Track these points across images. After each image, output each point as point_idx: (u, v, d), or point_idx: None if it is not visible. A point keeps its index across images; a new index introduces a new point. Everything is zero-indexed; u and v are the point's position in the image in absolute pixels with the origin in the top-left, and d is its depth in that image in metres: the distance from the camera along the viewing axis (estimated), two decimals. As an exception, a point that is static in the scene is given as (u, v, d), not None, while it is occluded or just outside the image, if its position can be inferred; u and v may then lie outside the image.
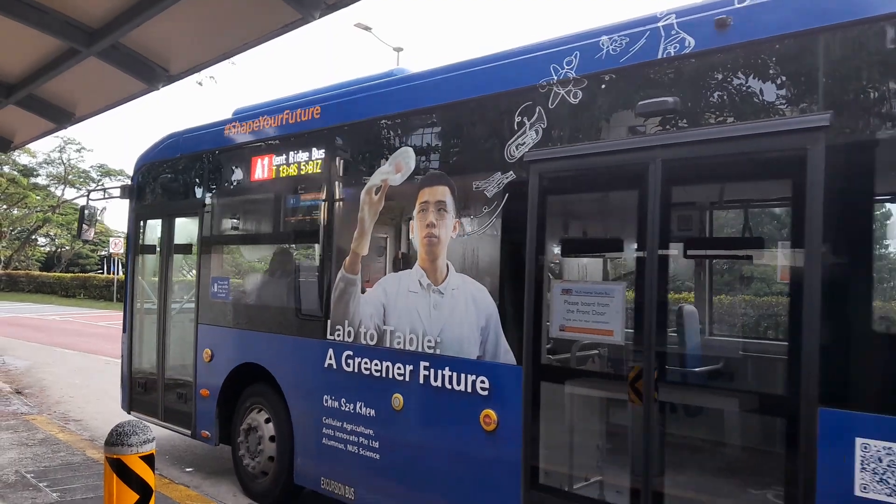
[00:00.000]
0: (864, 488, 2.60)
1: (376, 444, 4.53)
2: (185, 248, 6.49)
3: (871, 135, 2.73)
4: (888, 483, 2.54)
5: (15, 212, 49.89)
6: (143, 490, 3.22)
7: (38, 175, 52.15)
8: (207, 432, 5.94)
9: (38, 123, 6.35)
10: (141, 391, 6.97)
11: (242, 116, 5.86)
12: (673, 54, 3.24)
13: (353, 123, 4.86)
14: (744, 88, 3.08)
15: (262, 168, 5.54)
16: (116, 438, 3.24)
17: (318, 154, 5.07)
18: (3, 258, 47.90)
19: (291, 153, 5.27)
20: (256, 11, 4.16)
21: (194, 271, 6.24)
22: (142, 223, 7.15)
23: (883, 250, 3.25)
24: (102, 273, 43.60)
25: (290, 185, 5.41)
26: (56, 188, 51.56)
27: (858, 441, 2.61)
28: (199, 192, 6.22)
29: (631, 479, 3.33)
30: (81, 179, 52.76)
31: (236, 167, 5.94)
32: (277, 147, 5.40)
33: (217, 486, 6.23)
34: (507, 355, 3.77)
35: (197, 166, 6.27)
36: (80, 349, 15.99)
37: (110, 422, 8.63)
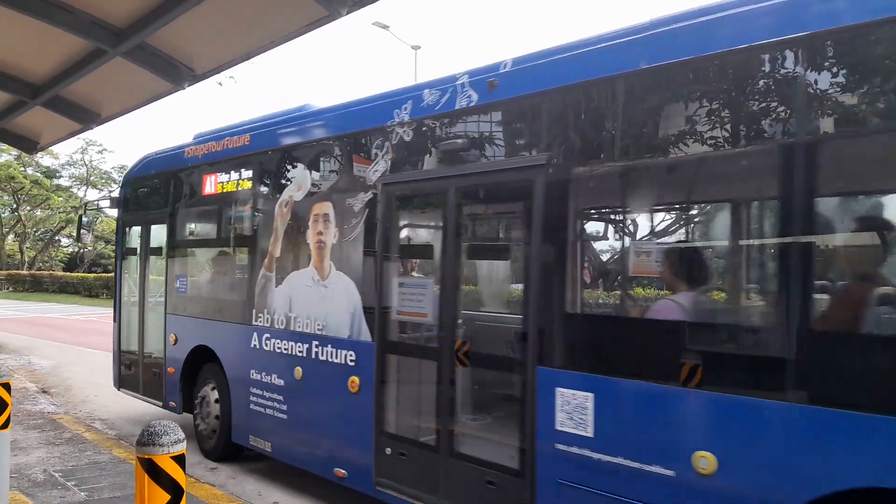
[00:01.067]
0: (561, 424, 3.67)
1: (284, 407, 5.75)
2: (157, 251, 7.80)
3: (576, 171, 3.81)
4: (573, 419, 3.63)
5: (38, 213, 50.60)
6: (175, 490, 3.19)
7: (60, 176, 52.83)
8: (174, 403, 7.27)
9: (64, 124, 6.38)
10: (126, 371, 8.43)
11: (197, 141, 7.12)
12: (465, 106, 4.34)
13: (272, 149, 6.06)
14: (506, 133, 4.28)
15: (210, 184, 6.80)
16: (148, 438, 3.20)
17: (247, 174, 6.31)
18: (27, 259, 48.52)
19: (230, 173, 6.52)
20: (282, 9, 4.11)
21: (165, 270, 7.59)
22: (126, 229, 8.54)
23: (584, 253, 4.15)
24: (124, 273, 43.89)
25: (228, 199, 6.62)
26: (78, 189, 52.20)
27: (558, 390, 3.67)
28: (166, 203, 7.52)
29: (442, 421, 4.48)
30: (103, 180, 53.39)
31: (192, 183, 7.14)
32: (220, 167, 6.63)
33: (242, 485, 6.23)
34: (366, 335, 4.94)
35: (164, 182, 7.56)
36: (103, 349, 16.09)
37: (135, 421, 8.72)
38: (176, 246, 7.50)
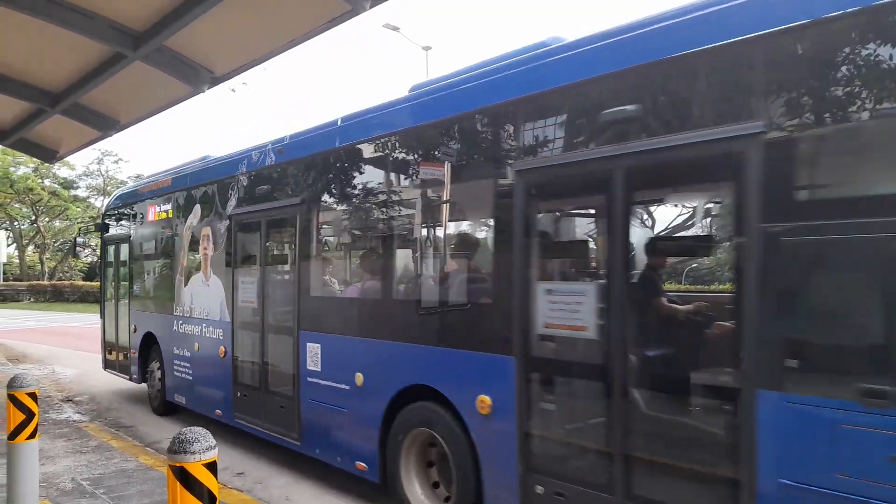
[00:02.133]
0: (309, 364, 5.93)
1: (190, 371, 8.26)
2: (124, 263, 10.63)
3: (320, 208, 6.08)
4: (315, 362, 5.88)
5: (57, 224, 51.12)
6: (208, 497, 3.13)
7: (77, 187, 53.35)
8: (136, 376, 9.94)
9: (83, 132, 6.36)
10: (109, 355, 11.25)
11: (147, 180, 10.24)
12: (268, 164, 6.57)
13: (181, 189, 8.53)
14: (288, 182, 6.39)
15: (151, 213, 9.47)
16: (179, 446, 3.14)
17: (168, 206, 8.84)
18: (47, 270, 48.97)
19: (160, 206, 9.12)
20: (304, 6, 4.04)
21: (128, 277, 10.49)
22: (106, 247, 11.50)
23: (320, 261, 6.50)
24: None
25: (159, 225, 9.23)
26: (95, 199, 52.70)
27: (308, 344, 5.97)
28: (128, 227, 10.40)
29: (264, 370, 6.94)
30: (119, 188, 53.70)
31: (142, 212, 9.73)
32: (155, 202, 9.27)
33: (268, 489, 6.18)
34: (227, 317, 7.39)
35: (128, 211, 10.40)
36: (125, 356, 16.17)
37: (161, 427, 8.72)
38: (134, 259, 10.32)
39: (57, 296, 40.28)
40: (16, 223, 51.73)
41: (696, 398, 3.58)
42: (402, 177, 5.07)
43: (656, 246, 4.73)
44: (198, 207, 7.99)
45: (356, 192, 5.61)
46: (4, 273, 47.75)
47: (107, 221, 11.29)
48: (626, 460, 3.51)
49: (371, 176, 5.42)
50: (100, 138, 6.58)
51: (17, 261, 52.31)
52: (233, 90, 20.34)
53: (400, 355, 4.95)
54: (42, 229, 49.10)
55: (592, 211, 4.37)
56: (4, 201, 48.43)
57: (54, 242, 51.00)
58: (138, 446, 7.58)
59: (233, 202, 7.11)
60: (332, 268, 6.53)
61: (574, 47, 3.92)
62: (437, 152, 4.72)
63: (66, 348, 17.08)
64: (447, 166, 4.62)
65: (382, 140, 5.20)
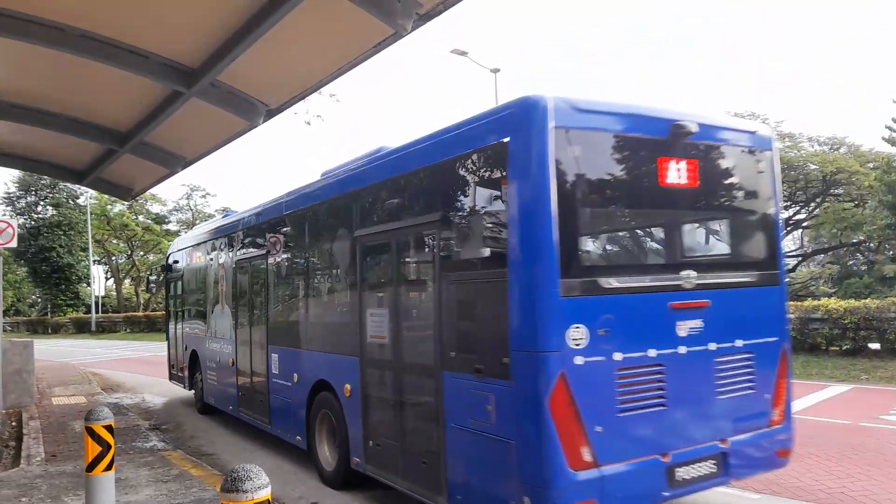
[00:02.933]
0: (273, 371, 8.32)
1: (215, 378, 10.62)
2: (180, 296, 13.42)
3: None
4: (276, 368, 8.26)
5: (151, 258, 53.86)
6: (261, 537, 3.06)
7: (169, 222, 56.10)
8: (187, 385, 12.70)
9: (153, 170, 6.59)
10: (171, 369, 14.10)
11: (193, 231, 13.76)
12: (252, 225, 9.27)
13: (209, 240, 11.11)
14: (260, 243, 9.17)
15: (193, 258, 12.18)
16: (231, 485, 3.13)
17: (201, 253, 11.56)
18: (142, 301, 51.54)
19: (198, 252, 11.82)
20: (347, 33, 4.01)
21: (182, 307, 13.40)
22: (168, 283, 14.45)
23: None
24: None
25: (197, 267, 11.91)
26: (186, 233, 55.12)
27: (272, 356, 8.42)
28: (181, 268, 13.08)
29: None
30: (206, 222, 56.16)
31: (189, 256, 12.53)
32: (196, 249, 11.97)
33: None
34: (233, 337, 9.96)
35: (180, 255, 13.21)
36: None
37: (239, 456, 8.83)
38: (184, 293, 13.13)
39: (151, 326, 42.20)
40: (113, 258, 54.89)
41: (419, 377, 5.63)
42: (297, 240, 7.90)
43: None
44: (217, 254, 10.73)
45: (258, 252, 8.91)
46: (103, 305, 50.48)
47: (169, 263, 14.40)
48: (400, 419, 5.77)
49: (288, 237, 8.13)
50: (169, 175, 6.79)
51: (115, 293, 55.38)
52: (307, 123, 20.82)
53: (312, 360, 7.42)
54: (137, 263, 51.81)
55: (386, 261, 6.11)
56: (103, 237, 51.53)
57: (149, 275, 53.70)
58: (217, 475, 7.68)
59: (234, 251, 9.87)
60: (274, 303, 8.83)
61: (368, 162, 6.35)
62: (312, 224, 7.44)
63: (156, 377, 17.73)
64: (316, 235, 7.43)
65: (298, 213, 7.70)
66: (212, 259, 11.01)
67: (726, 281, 5.10)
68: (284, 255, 8.22)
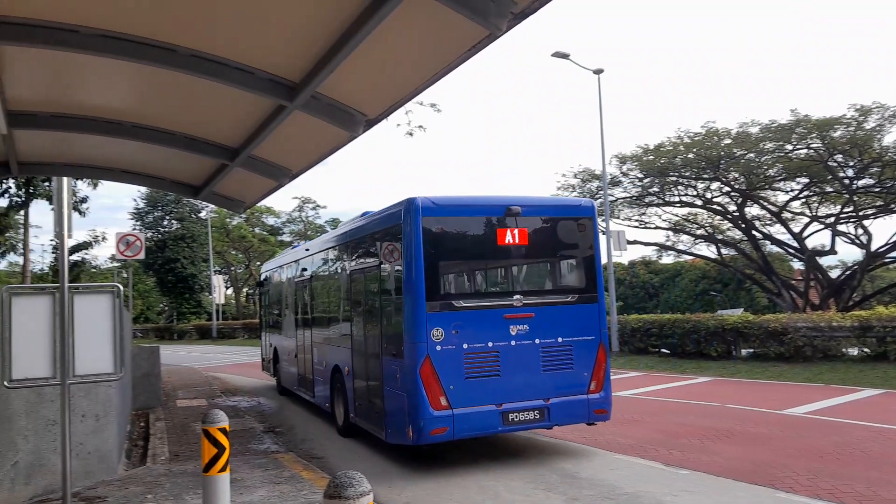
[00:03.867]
0: (314, 359, 12.44)
1: (286, 367, 14.93)
2: (266, 306, 18.05)
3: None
4: (313, 357, 12.73)
5: (266, 267, 56.54)
6: (363, 544, 3.07)
7: (283, 233, 58.65)
8: (271, 375, 16.90)
9: (262, 182, 6.87)
10: (263, 363, 18.25)
11: (270, 262, 18.72)
12: (301, 257, 14.10)
13: (280, 266, 16.03)
14: (306, 269, 13.60)
15: (274, 277, 16.77)
16: (334, 491, 3.16)
17: (276, 274, 16.39)
18: (258, 309, 54.10)
19: (275, 273, 16.50)
20: (440, 37, 3.99)
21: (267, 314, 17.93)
22: (260, 296, 19.25)
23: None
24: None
25: (276, 284, 16.29)
26: (298, 243, 57.47)
27: (314, 348, 12.74)
28: (270, 285, 17.14)
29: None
30: (318, 234, 58.56)
31: (277, 274, 16.08)
32: (274, 271, 16.75)
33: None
34: (295, 335, 14.14)
35: (270, 274, 17.16)
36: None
37: (348, 459, 9.01)
38: (270, 303, 17.41)
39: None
40: (232, 268, 58.01)
41: (373, 360, 8.98)
42: (318, 270, 11.98)
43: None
44: (282, 276, 15.56)
45: (304, 276, 12.84)
46: (223, 312, 53.45)
47: (261, 280, 19.49)
48: (366, 385, 9.05)
49: (312, 269, 12.37)
50: (277, 187, 7.05)
51: (234, 301, 58.44)
52: (410, 134, 21.35)
53: (331, 352, 10.85)
54: (254, 272, 54.54)
55: (358, 288, 9.79)
56: (222, 249, 54.54)
57: (248, 289, 56.39)
58: (326, 478, 7.86)
59: (290, 275, 14.41)
60: (311, 313, 12.84)
61: (344, 226, 10.85)
62: (321, 261, 11.51)
63: (271, 381, 18.49)
64: (327, 267, 11.29)
65: (305, 261, 12.90)
66: (280, 280, 16.01)
67: (547, 301, 8.18)
68: (313, 280, 12.57)
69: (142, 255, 17.48)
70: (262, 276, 18.90)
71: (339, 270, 10.82)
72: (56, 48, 3.67)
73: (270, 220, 58.89)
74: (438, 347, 7.51)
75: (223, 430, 5.81)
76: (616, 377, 15.02)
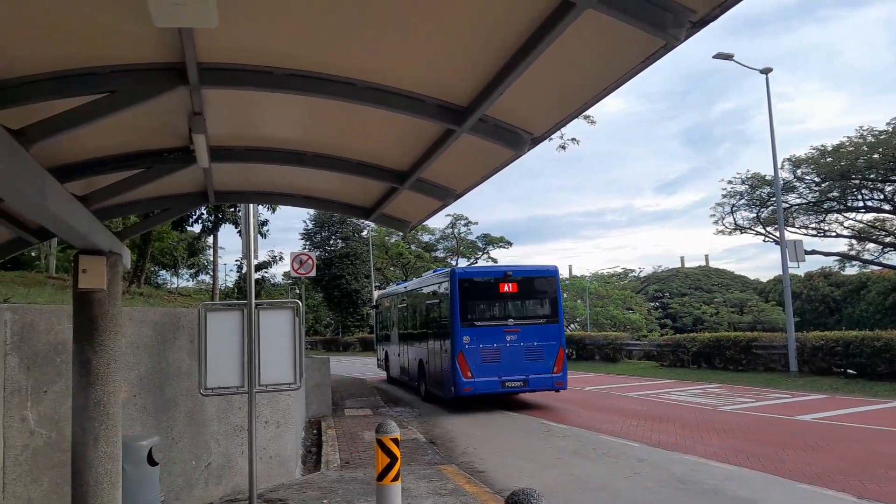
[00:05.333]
0: (401, 356, 25.69)
1: (393, 364, 25.58)
2: (379, 323, 29.82)
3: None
4: (402, 356, 25.84)
5: (422, 282, 58.34)
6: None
7: (437, 249, 60.17)
8: (384, 368, 27.85)
9: (427, 203, 7.10)
10: (378, 363, 29.53)
11: (381, 292, 34.51)
12: (400, 292, 26.30)
13: (389, 296, 27.87)
14: (401, 302, 26.19)
15: (385, 302, 28.30)
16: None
17: (386, 301, 28.39)
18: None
19: (386, 300, 28.21)
20: (611, 51, 3.93)
21: (381, 329, 29.32)
22: (376, 316, 31.14)
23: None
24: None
25: (387, 308, 27.48)
26: (451, 259, 58.81)
27: (408, 349, 24.36)
28: (381, 309, 29.18)
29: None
30: (470, 249, 59.54)
31: (388, 302, 27.14)
32: (386, 298, 28.76)
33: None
34: (398, 343, 25.01)
35: (381, 301, 29.76)
36: (507, 409, 17.36)
37: (510, 477, 9.04)
38: (383, 321, 27.99)
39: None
40: (391, 283, 60.28)
41: (439, 353, 17.81)
42: (408, 302, 22.50)
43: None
44: (388, 304, 26.51)
45: (401, 305, 23.50)
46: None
47: (376, 304, 30.21)
48: (431, 368, 18.66)
49: (406, 300, 22.74)
50: (442, 207, 7.25)
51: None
52: (562, 147, 21.43)
53: (417, 351, 20.33)
54: (410, 288, 56.40)
55: (429, 316, 19.53)
56: (382, 265, 56.98)
57: (366, 309, 58.21)
58: (489, 493, 7.94)
59: (393, 303, 25.45)
60: (403, 328, 23.19)
61: (419, 281, 22.82)
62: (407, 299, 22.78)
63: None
64: (416, 302, 21.28)
65: (402, 295, 23.85)
66: (387, 305, 27.01)
67: (528, 322, 16.57)
68: (406, 308, 22.37)
69: (313, 273, 18.85)
70: (375, 303, 31.41)
71: (419, 302, 20.35)
72: (254, 89, 4.05)
73: (425, 238, 60.75)
74: (467, 346, 15.99)
75: (395, 440, 6.05)
76: (794, 400, 16.63)
